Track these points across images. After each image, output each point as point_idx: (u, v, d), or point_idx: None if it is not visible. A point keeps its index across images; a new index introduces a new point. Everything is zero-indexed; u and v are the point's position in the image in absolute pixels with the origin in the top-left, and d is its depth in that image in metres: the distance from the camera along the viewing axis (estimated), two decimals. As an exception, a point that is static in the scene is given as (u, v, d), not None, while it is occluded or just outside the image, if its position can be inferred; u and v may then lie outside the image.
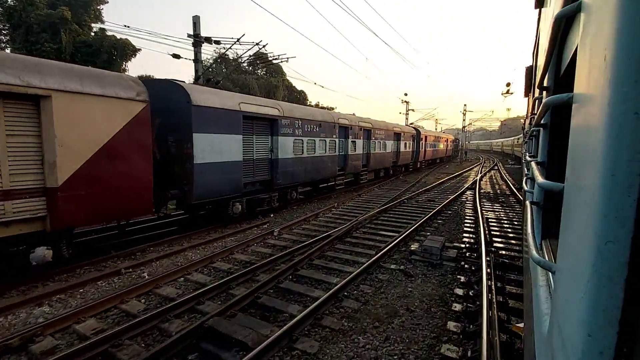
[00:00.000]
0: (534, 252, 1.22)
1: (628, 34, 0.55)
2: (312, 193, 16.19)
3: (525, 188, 2.83)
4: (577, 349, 0.66)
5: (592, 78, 0.71)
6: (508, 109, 76.97)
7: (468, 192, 15.41)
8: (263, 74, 25.73)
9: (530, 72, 5.37)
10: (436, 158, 38.31)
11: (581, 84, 0.83)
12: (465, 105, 36.73)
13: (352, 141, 16.60)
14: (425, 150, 31.70)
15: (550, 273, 1.30)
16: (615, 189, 0.58)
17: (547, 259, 1.33)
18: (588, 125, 0.72)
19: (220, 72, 23.61)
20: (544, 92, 2.06)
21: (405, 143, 25.50)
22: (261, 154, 10.87)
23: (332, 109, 35.99)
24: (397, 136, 23.83)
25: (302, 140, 12.62)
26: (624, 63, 0.56)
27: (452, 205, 12.70)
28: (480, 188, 16.23)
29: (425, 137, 31.47)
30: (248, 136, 10.24)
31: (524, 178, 3.26)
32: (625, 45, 0.55)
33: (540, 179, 1.44)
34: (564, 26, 1.49)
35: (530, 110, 5.59)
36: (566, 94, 1.11)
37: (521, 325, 4.11)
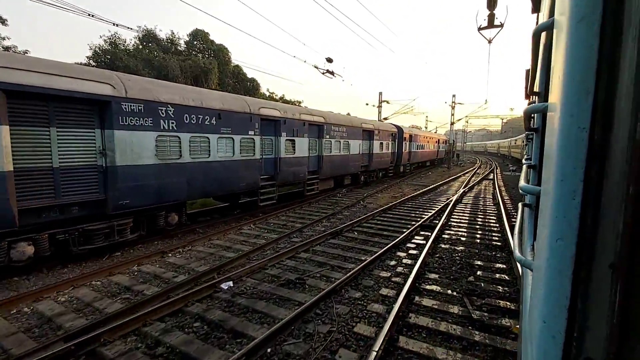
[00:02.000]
0: (517, 252, 1.36)
1: (573, 56, 0.63)
2: (226, 211, 11.74)
3: (522, 191, 2.39)
4: (535, 335, 0.76)
5: (555, 92, 0.79)
6: (511, 109, 72.30)
7: (417, 240, 8.11)
8: (200, 57, 21.37)
9: (528, 75, 4.10)
10: (425, 161, 33.76)
11: (551, 95, 0.90)
12: (454, 96, 29.04)
13: (288, 140, 12.12)
14: (410, 152, 27.16)
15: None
16: (563, 193, 0.67)
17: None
18: (552, 134, 0.79)
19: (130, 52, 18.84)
20: (536, 98, 2.10)
21: (382, 143, 20.99)
22: (74, 158, 6.46)
23: (299, 102, 31.38)
24: (369, 134, 19.33)
25: (179, 137, 8.18)
26: (570, 81, 0.65)
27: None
28: (446, 225, 9.55)
29: (410, 136, 26.91)
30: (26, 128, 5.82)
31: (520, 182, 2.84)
32: (571, 66, 0.64)
33: (522, 182, 1.69)
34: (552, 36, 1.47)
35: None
36: (542, 104, 1.26)
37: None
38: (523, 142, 36.02)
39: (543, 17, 1.65)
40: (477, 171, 28.84)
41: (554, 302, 0.69)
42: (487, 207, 12.62)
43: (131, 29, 12.79)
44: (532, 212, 1.95)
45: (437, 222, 9.75)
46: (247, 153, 10.26)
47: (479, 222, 10.16)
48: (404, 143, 25.13)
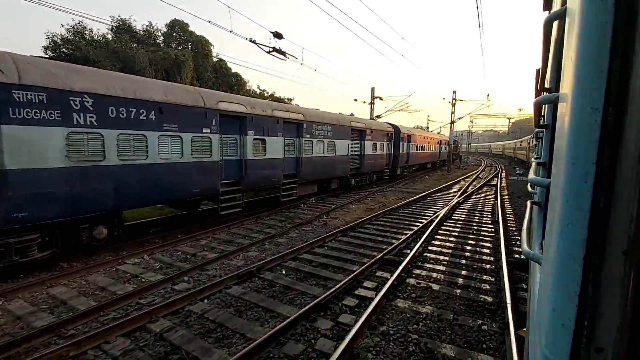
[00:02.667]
0: (525, 246, 1.38)
1: (587, 36, 0.62)
2: (182, 220, 10.25)
3: (530, 190, 2.92)
4: (544, 323, 0.74)
5: (567, 77, 0.77)
6: (520, 109, 70.16)
7: (364, 290, 5.53)
8: (175, 48, 19.72)
9: (538, 75, 4.16)
10: (426, 163, 32.00)
11: (563, 84, 0.90)
12: (454, 92, 26.38)
13: (257, 139, 10.60)
14: (408, 154, 25.47)
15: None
16: (574, 176, 0.65)
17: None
18: (563, 121, 0.78)
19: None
20: (546, 94, 2.08)
21: (375, 144, 19.37)
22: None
23: (290, 100, 29.76)
24: (360, 134, 17.73)
25: (102, 134, 6.71)
26: (584, 61, 0.63)
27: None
28: (419, 258, 7.01)
29: (409, 136, 25.22)
30: None
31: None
32: (584, 46, 0.63)
33: (532, 174, 1.77)
34: (563, 30, 1.49)
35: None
36: (554, 94, 1.27)
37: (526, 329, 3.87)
38: (529, 143, 33.99)
39: (555, 8, 1.45)
40: (480, 175, 26.86)
41: (564, 289, 0.68)
42: (483, 227, 9.82)
43: (99, 20, 11.34)
44: (541, 210, 1.95)
45: (409, 251, 7.19)
46: (201, 154, 8.76)
47: (466, 254, 7.33)
48: (401, 144, 23.46)
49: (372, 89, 22.18)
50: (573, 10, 0.75)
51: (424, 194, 15.46)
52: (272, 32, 8.77)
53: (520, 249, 7.29)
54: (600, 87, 0.60)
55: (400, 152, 23.41)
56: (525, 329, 4.40)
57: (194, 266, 6.52)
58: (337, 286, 5.41)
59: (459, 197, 14.32)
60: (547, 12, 2.69)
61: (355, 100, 21.06)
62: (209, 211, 10.82)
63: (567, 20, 0.90)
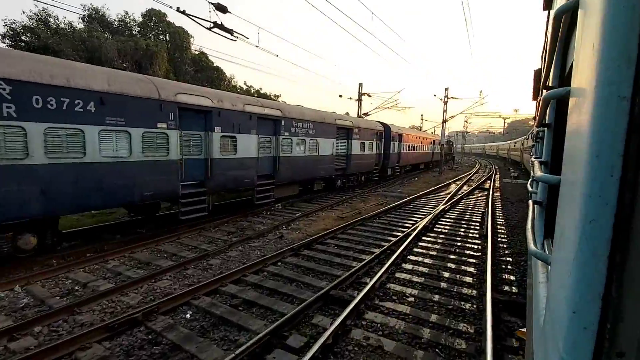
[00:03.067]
0: (532, 245, 1.38)
1: (613, 22, 0.59)
2: (139, 225, 9.25)
3: (530, 189, 2.88)
4: (563, 326, 0.70)
5: (584, 68, 0.73)
6: (515, 110, 69.64)
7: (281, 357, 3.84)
8: (155, 40, 18.53)
9: (538, 75, 4.90)
10: (419, 163, 31.18)
11: (577, 76, 0.88)
12: (446, 89, 25.03)
13: (225, 136, 9.63)
14: (400, 154, 24.62)
15: (548, 267, 1.39)
16: (599, 170, 0.61)
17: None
18: (580, 114, 0.75)
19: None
20: (555, 90, 1.86)
21: (363, 143, 18.46)
22: None
23: (277, 97, 28.65)
24: (347, 133, 16.81)
25: (24, 128, 5.71)
26: (609, 49, 0.59)
27: None
28: (379, 291, 5.38)
29: (400, 136, 24.35)
30: None
31: (529, 180, 3.24)
32: (610, 32, 0.59)
33: (539, 172, 1.58)
34: (568, 26, 1.55)
35: (537, 114, 5.19)
36: (563, 88, 1.17)
37: (524, 330, 4.07)
38: (522, 144, 33.28)
39: (560, 3, 1.37)
40: (473, 177, 25.95)
41: (586, 290, 0.64)
42: (468, 243, 8.12)
43: (68, 7, 10.28)
44: (542, 209, 1.94)
45: (368, 280, 5.70)
46: (155, 152, 7.77)
47: (441, 285, 5.75)
48: (392, 143, 22.59)
49: (360, 85, 21.07)
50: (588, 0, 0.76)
51: (408, 198, 14.11)
52: (212, 4, 7.69)
53: (511, 281, 6.01)
54: (629, 75, 0.58)
55: (391, 152, 22.53)
56: (524, 330, 4.18)
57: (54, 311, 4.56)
58: (244, 348, 3.65)
59: (446, 203, 12.87)
60: (548, 11, 2.59)
61: (340, 96, 19.98)
62: (170, 216, 9.82)
63: (580, 12, 0.90)
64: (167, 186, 8.10)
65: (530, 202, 2.24)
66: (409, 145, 26.55)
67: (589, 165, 0.64)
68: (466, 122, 45.63)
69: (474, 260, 7.07)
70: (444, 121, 25.04)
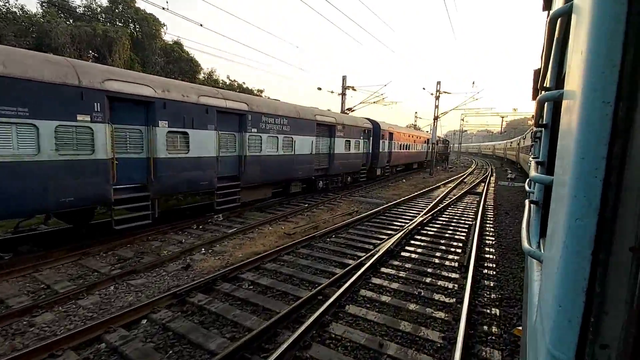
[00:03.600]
0: (525, 244, 1.42)
1: (599, 29, 0.62)
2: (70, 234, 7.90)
3: (527, 189, 2.93)
4: (550, 320, 0.74)
5: (574, 72, 0.77)
6: (514, 109, 68.69)
7: None
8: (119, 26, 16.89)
9: (537, 75, 4.66)
10: (412, 163, 29.91)
11: (569, 80, 0.92)
12: (438, 83, 23.07)
13: (173, 132, 8.30)
14: (391, 153, 23.33)
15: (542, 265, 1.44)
16: (584, 171, 0.65)
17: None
18: (570, 116, 0.79)
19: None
20: (550, 92, 1.95)
21: (349, 141, 17.16)
22: None
23: (260, 91, 27.13)
24: (329, 130, 15.50)
25: None
26: (594, 56, 0.63)
27: None
28: None
29: (391, 134, 23.06)
30: None
31: (527, 180, 3.16)
32: (595, 40, 0.63)
33: (533, 172, 1.74)
34: (565, 29, 1.56)
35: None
36: (557, 91, 1.25)
37: (520, 328, 4.10)
38: (519, 144, 31.97)
39: (557, 5, 1.44)
40: (466, 179, 24.33)
41: (571, 285, 0.68)
42: (440, 281, 5.93)
43: None
44: (539, 208, 1.99)
45: (288, 338, 3.89)
46: (75, 150, 6.44)
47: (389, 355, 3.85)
48: (381, 142, 21.30)
49: (344, 78, 19.50)
50: (581, 5, 0.77)
51: (386, 205, 12.13)
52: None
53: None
54: (613, 81, 0.61)
55: (380, 151, 21.24)
56: (520, 328, 4.21)
57: None
58: None
59: (427, 213, 10.65)
60: (547, 12, 2.68)
61: (319, 89, 18.43)
62: (106, 225, 8.47)
63: (573, 16, 0.92)
64: (93, 190, 6.77)
65: (527, 201, 2.31)
66: (400, 144, 25.26)
67: (575, 166, 0.68)
68: (462, 120, 44.27)
69: (443, 315, 4.77)
70: (436, 118, 23.51)
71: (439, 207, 12.01)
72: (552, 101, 1.76)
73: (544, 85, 2.10)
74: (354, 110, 19.40)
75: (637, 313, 0.59)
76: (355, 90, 19.28)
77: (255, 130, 10.93)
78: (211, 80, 20.67)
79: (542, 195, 1.95)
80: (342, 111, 18.85)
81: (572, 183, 0.68)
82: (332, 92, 18.38)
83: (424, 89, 22.56)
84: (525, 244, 1.42)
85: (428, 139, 33.89)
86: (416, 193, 15.71)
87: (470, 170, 32.34)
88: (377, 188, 18.39)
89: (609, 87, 0.61)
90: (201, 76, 20.30)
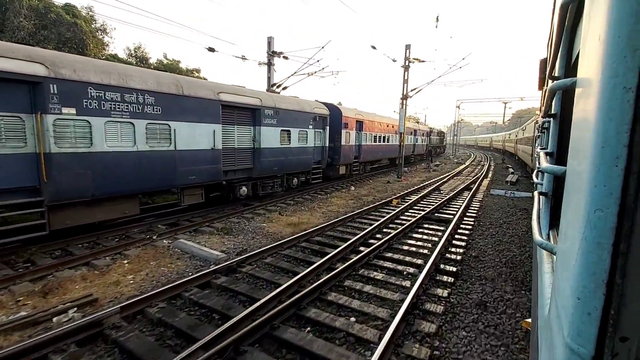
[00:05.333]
0: (537, 236, 1.39)
1: (619, 13, 0.60)
2: None
3: (535, 180, 2.85)
4: (567, 313, 0.73)
5: (590, 59, 0.74)
6: (521, 98, 63.64)
7: None
8: None
9: (544, 64, 4.82)
10: (394, 158, 25.45)
11: (583, 67, 0.87)
12: (407, 48, 16.65)
13: None
14: (360, 146, 18.98)
15: (553, 257, 1.43)
16: (604, 160, 0.62)
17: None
18: (586, 104, 0.75)
19: None
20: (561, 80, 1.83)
21: (288, 132, 12.88)
22: None
23: (197, 71, 22.29)
24: (251, 115, 11.22)
25: None
26: (614, 40, 0.60)
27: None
28: None
29: (360, 123, 18.67)
30: None
31: (535, 171, 3.05)
32: (616, 23, 0.60)
33: (544, 163, 1.61)
34: (574, 16, 1.57)
35: (543, 104, 5.07)
36: (570, 79, 1.18)
37: (530, 320, 4.06)
38: (517, 135, 27.50)
39: None
40: (448, 182, 18.77)
41: (590, 277, 0.67)
42: None
43: None
44: (548, 200, 1.94)
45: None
46: None
47: None
48: (345, 133, 16.93)
49: (269, 41, 14.14)
50: None
51: (307, 231, 7.90)
52: None
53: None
54: (635, 67, 0.59)
55: (343, 144, 16.90)
56: (529, 320, 4.27)
57: None
58: None
59: (342, 264, 5.91)
60: (554, 0, 2.62)
61: (243, 58, 13.38)
62: None
63: (587, 2, 0.88)
64: None
65: (535, 193, 2.21)
66: (375, 136, 20.83)
67: (594, 155, 0.65)
68: (458, 107, 39.12)
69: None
70: (405, 97, 17.94)
71: (388, 237, 7.50)
72: (561, 90, 1.74)
73: (553, 74, 2.09)
74: (283, 87, 14.35)
75: None
76: (287, 58, 14.31)
77: (74, 113, 6.67)
78: (90, 51, 15.92)
79: (552, 187, 1.94)
80: (269, 88, 13.84)
81: (591, 173, 0.66)
82: (240, 57, 13.33)
83: (373, 47, 16.57)
84: (537, 236, 1.41)
85: (415, 130, 29.23)
86: (333, 220, 9.27)
87: (461, 168, 27.50)
88: (328, 197, 13.87)
89: (631, 72, 0.59)
90: (93, 47, 15.72)
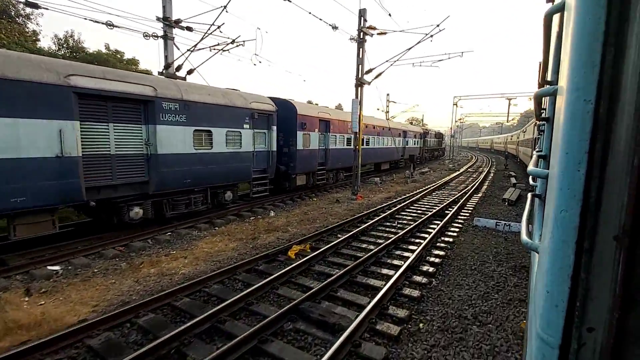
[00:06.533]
0: (524, 236, 1.40)
1: (581, 30, 0.65)
2: None
3: (532, 183, 2.91)
4: (539, 306, 0.78)
5: (563, 70, 0.81)
6: (530, 98, 59.60)
7: None
8: None
9: (541, 67, 4.33)
10: (380, 163, 22.16)
11: (561, 76, 0.92)
12: (362, 14, 12.29)
13: None
14: (327, 150, 15.90)
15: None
16: (568, 165, 0.69)
17: None
18: (559, 112, 0.81)
19: None
20: (547, 87, 2.04)
21: (209, 132, 9.90)
22: None
23: (135, 64, 19.12)
24: (141, 109, 8.23)
25: None
26: (578, 55, 0.66)
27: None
28: None
29: (327, 123, 15.58)
30: None
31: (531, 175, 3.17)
32: (578, 39, 0.66)
33: (531, 166, 1.70)
34: (560, 24, 1.60)
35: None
36: (552, 87, 1.28)
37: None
38: (518, 137, 26.30)
39: (557, 1, 1.43)
40: (428, 196, 15.27)
41: (557, 272, 0.71)
42: None
43: None
44: (542, 202, 1.97)
45: None
46: None
47: None
48: (301, 134, 13.85)
49: (164, 3, 9.86)
50: (570, 4, 0.78)
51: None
52: None
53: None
54: (593, 80, 0.63)
55: (300, 148, 13.81)
56: (526, 321, 4.78)
57: None
58: None
59: None
60: (551, 3, 2.73)
61: (146, 36, 9.64)
62: None
63: (565, 14, 0.92)
64: None
65: (529, 194, 2.24)
66: (349, 139, 17.68)
67: (561, 161, 0.72)
68: (456, 105, 35.40)
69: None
70: (360, 84, 13.50)
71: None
72: (549, 96, 1.81)
73: (546, 79, 2.15)
74: (184, 71, 10.70)
75: (620, 297, 0.62)
76: (191, 30, 10.67)
77: None
78: (27, 47, 13.03)
79: (545, 189, 1.96)
80: (164, 71, 10.13)
81: (559, 176, 0.72)
82: (146, 35, 9.25)
83: (310, 13, 11.94)
84: (523, 236, 1.42)
85: (404, 132, 25.91)
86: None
87: (452, 176, 23.76)
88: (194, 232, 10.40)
89: (590, 86, 0.63)
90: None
